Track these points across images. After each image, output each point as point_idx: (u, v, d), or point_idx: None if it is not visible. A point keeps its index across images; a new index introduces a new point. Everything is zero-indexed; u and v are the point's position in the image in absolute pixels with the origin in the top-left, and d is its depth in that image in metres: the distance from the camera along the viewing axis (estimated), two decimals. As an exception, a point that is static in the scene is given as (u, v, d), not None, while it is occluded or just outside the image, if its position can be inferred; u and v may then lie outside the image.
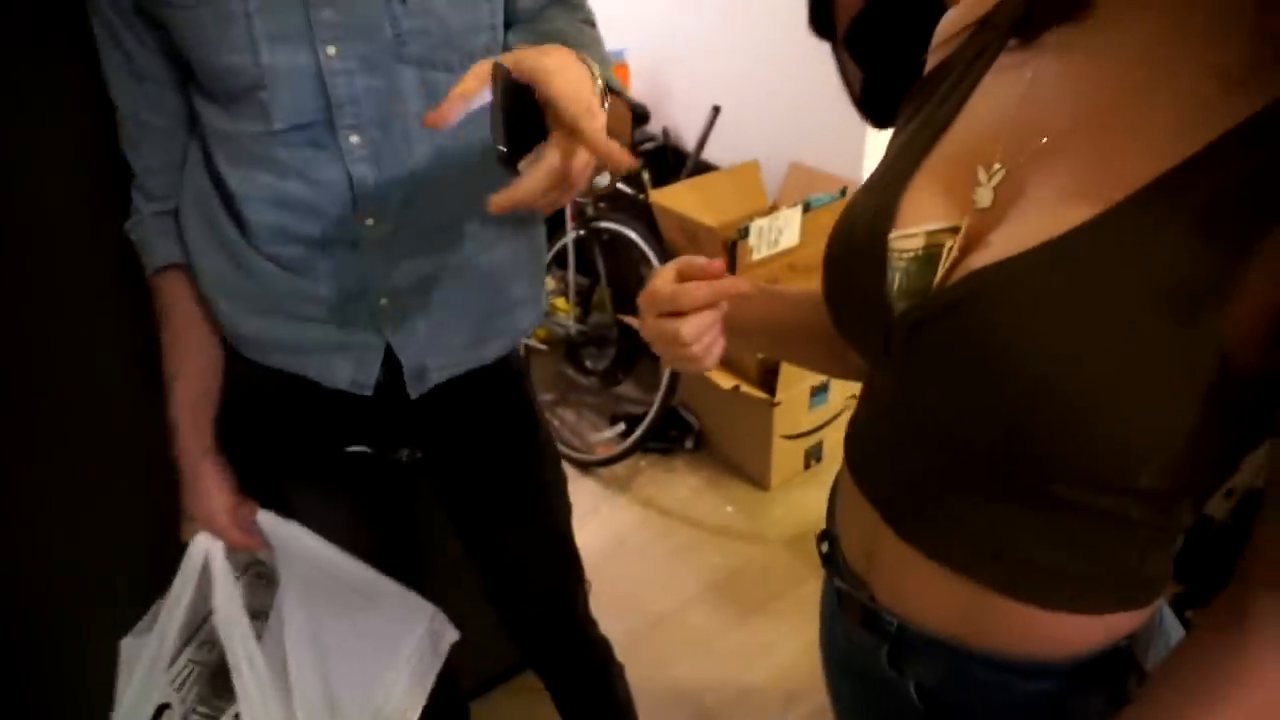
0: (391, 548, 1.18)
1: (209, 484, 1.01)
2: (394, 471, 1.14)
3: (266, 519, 1.03)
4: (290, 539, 1.03)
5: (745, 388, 2.21)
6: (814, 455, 2.38)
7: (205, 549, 1.02)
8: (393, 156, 0.90)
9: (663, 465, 2.47)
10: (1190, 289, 0.45)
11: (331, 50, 0.85)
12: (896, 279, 0.58)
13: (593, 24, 1.03)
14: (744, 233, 2.13)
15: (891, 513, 0.65)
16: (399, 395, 1.02)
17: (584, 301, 2.65)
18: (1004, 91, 0.59)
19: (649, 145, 2.75)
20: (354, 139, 0.89)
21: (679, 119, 2.75)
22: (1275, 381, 0.46)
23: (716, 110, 2.44)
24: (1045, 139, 0.54)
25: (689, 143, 2.64)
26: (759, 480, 2.36)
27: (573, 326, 2.56)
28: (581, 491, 2.39)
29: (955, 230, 0.56)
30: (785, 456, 2.33)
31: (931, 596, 0.64)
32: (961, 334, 0.53)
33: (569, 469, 2.42)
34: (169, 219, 0.97)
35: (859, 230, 0.62)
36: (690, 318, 0.70)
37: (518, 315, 1.08)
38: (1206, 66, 0.46)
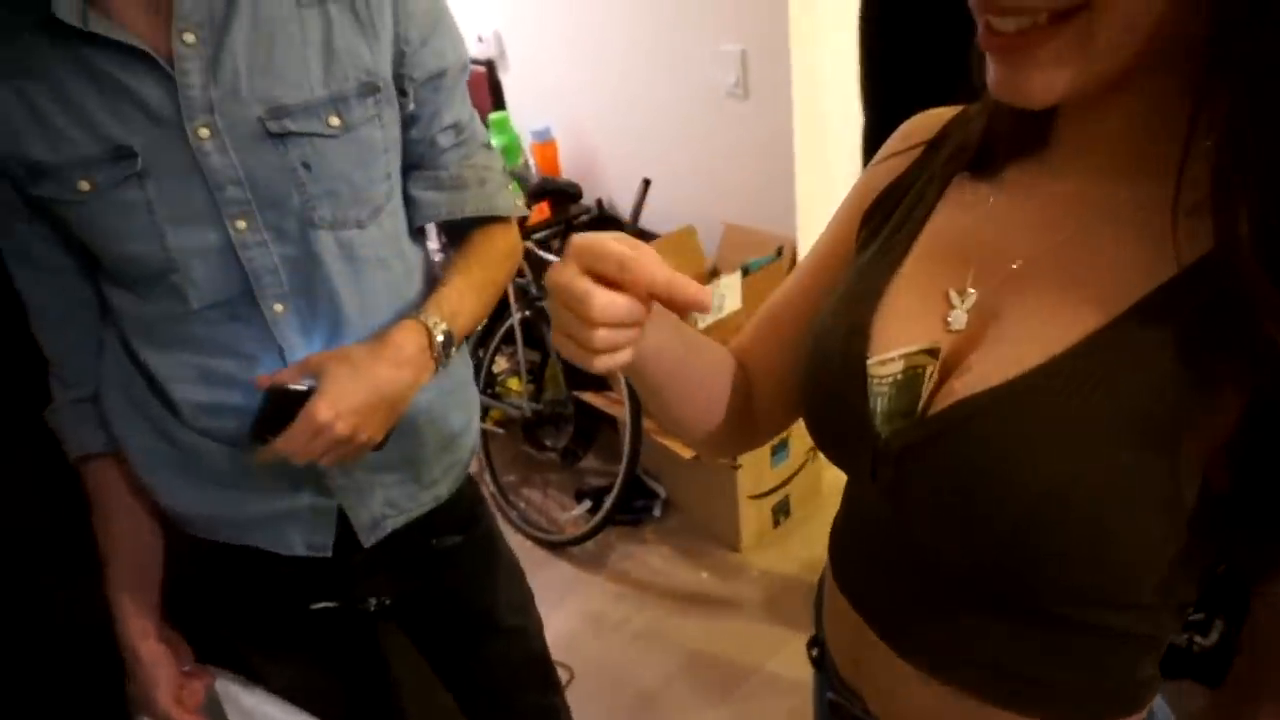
0: (365, 699, 1.15)
1: (149, 669, 0.96)
2: (362, 622, 1.12)
3: (227, 688, 0.99)
4: (253, 709, 0.99)
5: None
6: (781, 511, 2.39)
7: None
8: (320, 320, 0.91)
9: (633, 537, 2.45)
10: (1166, 417, 0.48)
11: (241, 224, 0.85)
12: (879, 404, 0.60)
13: (488, 146, 1.04)
14: (689, 301, 2.16)
15: (887, 629, 0.66)
16: (359, 546, 1.00)
17: (536, 379, 2.64)
18: (964, 218, 0.62)
19: (585, 218, 2.77)
20: (278, 308, 0.88)
21: (613, 190, 2.79)
22: (1255, 503, 0.48)
23: (647, 182, 2.48)
24: (1016, 264, 0.56)
25: (624, 212, 2.68)
26: (729, 543, 2.36)
27: (527, 406, 2.55)
28: (555, 573, 2.36)
29: (932, 353, 0.58)
30: (753, 517, 2.33)
31: (930, 711, 0.64)
32: (954, 460, 0.55)
33: (540, 552, 2.41)
34: (88, 406, 0.94)
35: (835, 356, 0.63)
36: (616, 296, 0.53)
37: (458, 447, 1.08)
38: (1154, 209, 0.49)
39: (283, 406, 0.84)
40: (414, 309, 0.95)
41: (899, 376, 0.59)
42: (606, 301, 0.52)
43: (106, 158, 0.80)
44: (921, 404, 0.58)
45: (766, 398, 0.76)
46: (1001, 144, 0.61)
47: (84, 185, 0.80)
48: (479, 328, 1.12)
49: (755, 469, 2.27)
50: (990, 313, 0.57)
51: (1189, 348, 0.48)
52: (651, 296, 0.54)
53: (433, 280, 1.01)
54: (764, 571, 2.29)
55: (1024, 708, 0.60)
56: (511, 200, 1.05)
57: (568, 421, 2.57)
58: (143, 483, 0.95)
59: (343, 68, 0.85)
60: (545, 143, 2.75)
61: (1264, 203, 0.44)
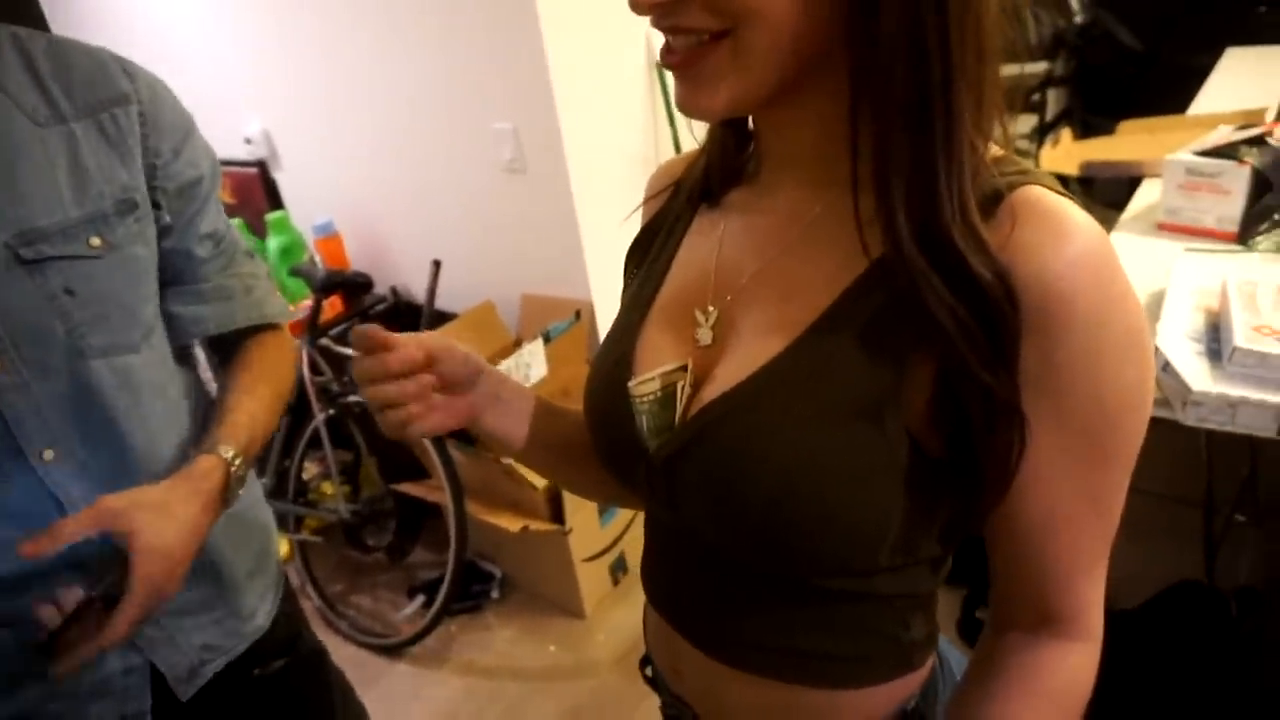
0: None
1: None
2: None
3: None
4: None
5: (534, 525, 2.19)
6: (619, 569, 2.39)
7: None
8: (100, 460, 0.82)
9: (475, 624, 2.37)
10: (870, 396, 0.53)
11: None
12: (644, 421, 0.63)
13: (250, 254, 1.01)
14: (496, 374, 2.15)
15: (694, 633, 0.70)
16: (174, 704, 0.91)
17: (351, 479, 2.53)
18: (704, 244, 0.67)
19: (381, 306, 2.72)
20: (48, 455, 0.79)
21: (405, 275, 2.75)
22: (960, 460, 0.54)
23: (437, 264, 2.47)
24: (745, 280, 0.62)
25: (420, 295, 2.65)
26: (573, 610, 2.33)
27: (344, 508, 2.43)
28: (398, 679, 2.24)
29: (683, 369, 0.62)
30: (591, 579, 2.32)
31: (741, 699, 0.68)
32: (706, 461, 0.59)
33: (379, 660, 2.28)
34: None
35: (605, 382, 0.67)
36: (403, 383, 0.66)
37: (267, 568, 1.02)
38: (845, 215, 0.55)
39: (77, 612, 0.76)
40: (194, 439, 0.89)
41: (658, 394, 0.62)
42: (399, 356, 0.66)
43: None
44: (679, 415, 0.61)
45: None
46: (720, 174, 0.67)
47: None
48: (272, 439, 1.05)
49: (585, 531, 2.26)
50: (729, 326, 0.62)
51: (880, 335, 0.54)
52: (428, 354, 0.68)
53: (205, 404, 0.96)
54: (611, 633, 2.27)
55: (810, 681, 0.64)
56: (283, 304, 1.02)
57: (389, 517, 2.47)
58: None
59: (96, 186, 0.80)
60: (329, 237, 2.69)
61: (914, 201, 0.50)
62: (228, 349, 0.98)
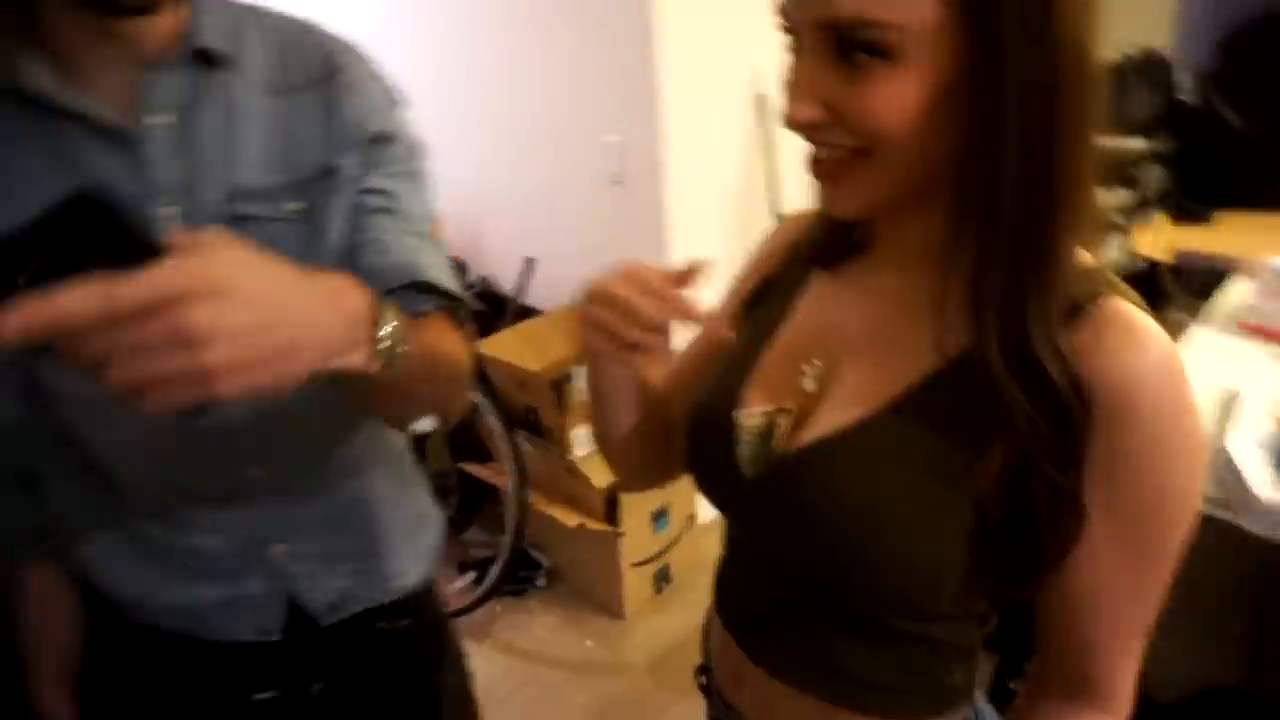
0: None
1: None
2: (302, 710, 1.05)
3: None
4: None
5: (590, 523, 2.29)
6: (663, 579, 2.47)
7: None
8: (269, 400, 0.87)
9: (518, 607, 2.48)
10: (945, 468, 0.62)
11: None
12: (744, 450, 0.72)
13: (423, 236, 0.94)
14: (568, 378, 2.26)
15: (757, 649, 0.77)
16: (309, 628, 0.97)
17: (420, 451, 2.66)
18: (816, 305, 0.76)
19: (470, 292, 2.84)
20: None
21: (494, 267, 2.87)
22: (1020, 533, 0.62)
23: (530, 261, 2.59)
24: (849, 343, 0.71)
25: (506, 288, 2.77)
26: (613, 610, 2.42)
27: (411, 479, 2.55)
28: (437, 648, 2.35)
29: (786, 411, 0.70)
30: (635, 584, 2.40)
31: (790, 714, 0.75)
32: (799, 495, 0.68)
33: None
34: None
35: (713, 409, 0.76)
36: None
37: (424, 532, 1.06)
38: (942, 304, 0.63)
39: (96, 240, 0.51)
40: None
41: (760, 429, 0.71)
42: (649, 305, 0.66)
43: None
44: (777, 451, 0.70)
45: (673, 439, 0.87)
46: (838, 246, 0.76)
47: None
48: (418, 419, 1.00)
49: (636, 536, 2.35)
50: (831, 380, 0.70)
51: (959, 419, 0.62)
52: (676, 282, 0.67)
53: None
54: (647, 637, 2.35)
55: (854, 705, 0.72)
56: (453, 281, 0.93)
57: (452, 493, 2.59)
58: (74, 564, 0.92)
59: (302, 154, 0.87)
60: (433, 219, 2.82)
61: (1003, 316, 0.58)
62: None
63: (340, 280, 0.66)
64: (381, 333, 0.67)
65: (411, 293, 0.89)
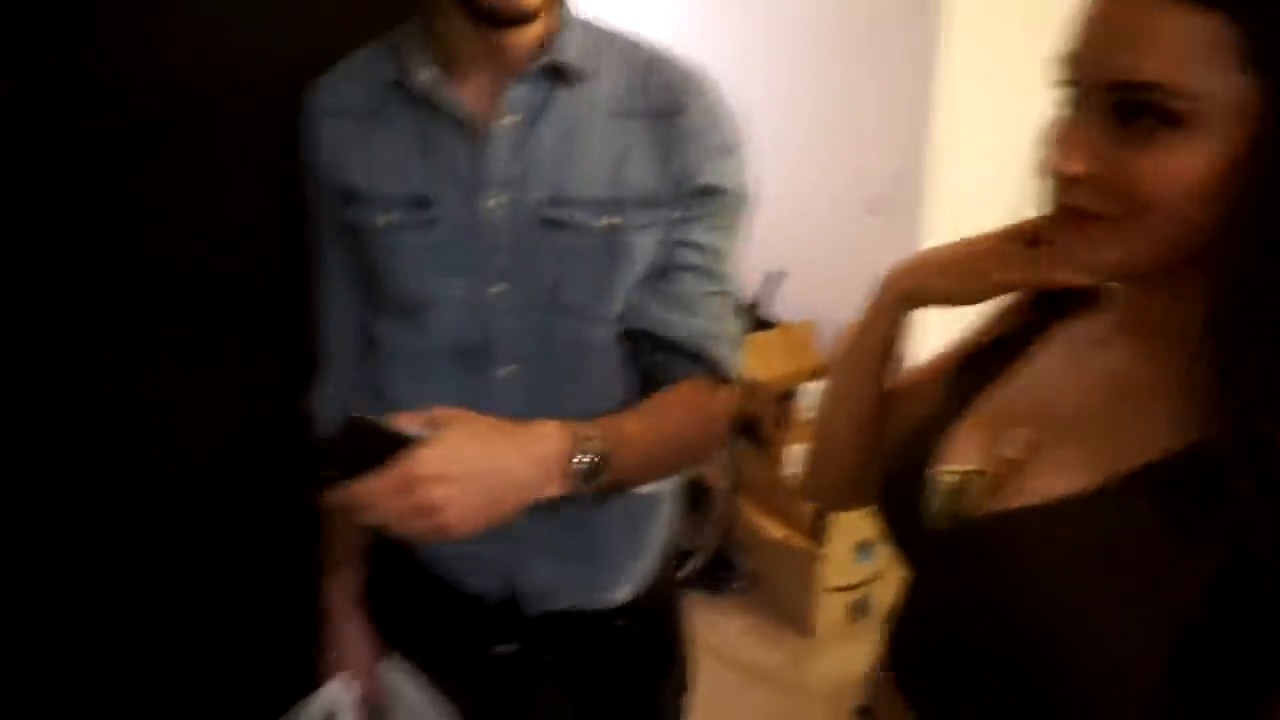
0: None
1: (354, 637, 1.06)
2: (532, 674, 1.11)
3: (397, 679, 1.07)
4: (415, 705, 1.06)
5: (795, 538, 2.31)
6: (860, 610, 2.44)
7: (334, 699, 1.05)
8: (541, 392, 0.95)
9: (712, 605, 2.54)
10: (1153, 567, 0.58)
11: (497, 289, 0.92)
12: (933, 502, 0.72)
13: (727, 294, 0.99)
14: (793, 394, 2.28)
15: (922, 708, 0.76)
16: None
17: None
18: (1036, 373, 0.75)
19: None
20: (508, 369, 0.94)
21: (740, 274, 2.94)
22: (1227, 650, 0.56)
23: (775, 275, 2.62)
24: (1061, 415, 0.69)
25: (743, 296, 2.82)
26: (804, 630, 2.42)
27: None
28: (631, 627, 2.47)
29: (981, 473, 0.71)
30: (831, 607, 2.39)
31: None
32: (986, 560, 0.67)
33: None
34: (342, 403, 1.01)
35: (908, 461, 0.76)
36: None
37: (645, 554, 1.06)
38: (1174, 386, 0.60)
39: (368, 446, 0.75)
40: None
41: (953, 486, 0.71)
42: None
43: (407, 202, 0.91)
44: (969, 511, 0.70)
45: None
46: (1069, 303, 0.74)
47: (381, 219, 0.91)
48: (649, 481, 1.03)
49: (839, 560, 2.34)
50: (1035, 450, 0.69)
51: (1179, 513, 0.58)
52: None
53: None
54: (834, 663, 2.34)
55: None
56: (736, 363, 0.98)
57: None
58: None
59: (630, 177, 0.91)
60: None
61: (1253, 411, 0.54)
62: (661, 382, 0.98)
63: (539, 429, 0.83)
64: (577, 460, 0.82)
65: (680, 357, 0.96)
